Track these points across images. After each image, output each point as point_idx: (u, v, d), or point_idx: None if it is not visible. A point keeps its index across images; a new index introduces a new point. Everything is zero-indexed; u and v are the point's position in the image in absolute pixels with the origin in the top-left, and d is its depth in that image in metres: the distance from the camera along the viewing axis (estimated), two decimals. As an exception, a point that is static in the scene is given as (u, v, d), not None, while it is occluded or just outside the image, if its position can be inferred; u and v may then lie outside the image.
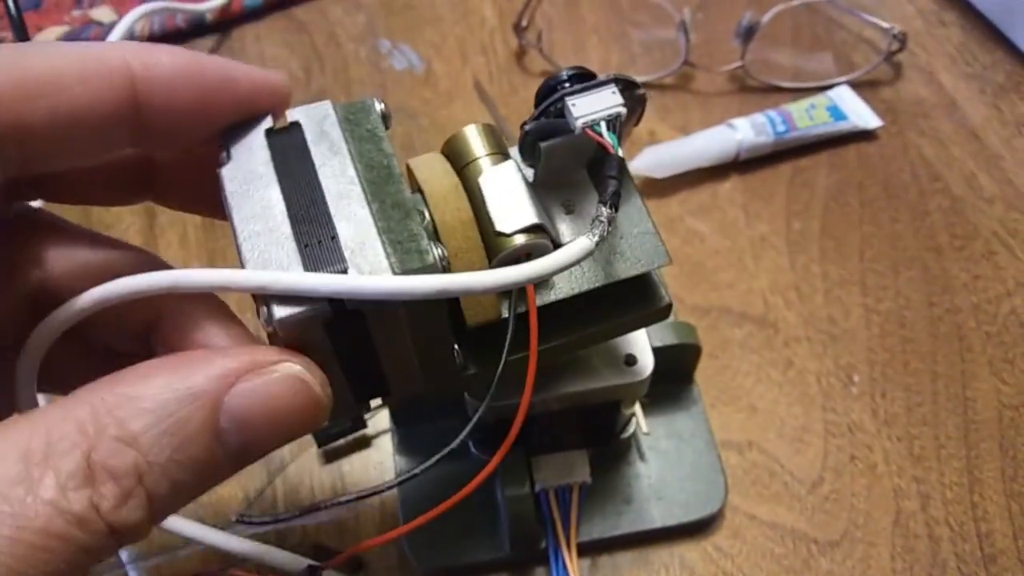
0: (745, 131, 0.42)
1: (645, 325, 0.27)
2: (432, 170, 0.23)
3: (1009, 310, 0.38)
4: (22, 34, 0.40)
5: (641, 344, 0.28)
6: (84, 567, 0.16)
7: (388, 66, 0.47)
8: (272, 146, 0.21)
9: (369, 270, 0.19)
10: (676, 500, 0.33)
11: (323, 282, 0.18)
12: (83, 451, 0.16)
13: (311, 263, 0.19)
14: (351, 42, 0.48)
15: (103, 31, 0.47)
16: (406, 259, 0.19)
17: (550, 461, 0.31)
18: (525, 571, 0.32)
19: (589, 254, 0.20)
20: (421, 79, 0.47)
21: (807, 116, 0.43)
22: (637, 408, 0.33)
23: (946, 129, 0.44)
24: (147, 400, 0.17)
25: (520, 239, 0.22)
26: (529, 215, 0.22)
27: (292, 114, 0.22)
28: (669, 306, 0.26)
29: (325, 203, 0.20)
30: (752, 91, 0.46)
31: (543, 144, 0.23)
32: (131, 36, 0.47)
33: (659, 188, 0.42)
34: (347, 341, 0.20)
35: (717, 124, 0.43)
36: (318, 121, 0.21)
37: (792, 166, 0.43)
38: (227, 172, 0.21)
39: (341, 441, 0.35)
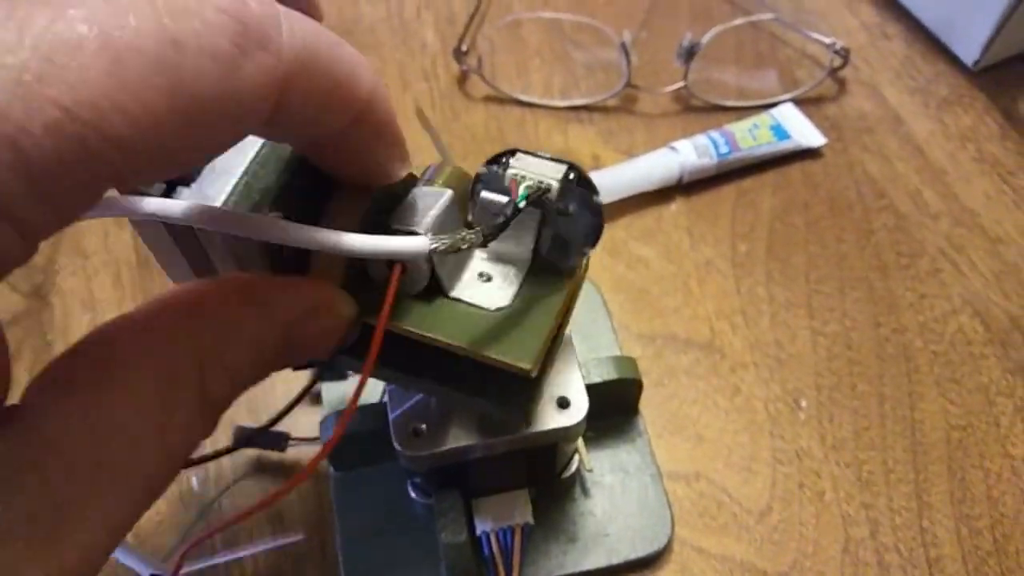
0: (688, 154, 0.41)
1: (499, 417, 0.27)
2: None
3: (956, 328, 0.38)
4: None
5: (575, 385, 0.28)
6: None
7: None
8: None
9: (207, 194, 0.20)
10: (622, 537, 0.32)
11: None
12: (198, 384, 0.17)
13: None
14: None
15: None
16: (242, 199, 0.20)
17: (491, 503, 0.31)
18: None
19: (419, 253, 0.20)
20: (362, 107, 0.46)
21: (750, 136, 0.42)
22: (580, 444, 0.32)
23: (891, 144, 0.44)
24: (242, 332, 0.18)
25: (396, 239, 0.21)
26: (424, 223, 0.21)
27: None
28: (526, 413, 0.25)
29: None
30: (696, 111, 0.46)
31: (483, 194, 0.22)
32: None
33: (604, 213, 0.41)
34: (185, 245, 0.22)
35: (662, 146, 0.43)
36: None
37: (736, 187, 0.43)
38: None
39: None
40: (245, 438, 0.33)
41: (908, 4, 0.49)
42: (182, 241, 0.22)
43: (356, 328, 0.21)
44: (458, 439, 0.27)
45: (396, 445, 0.27)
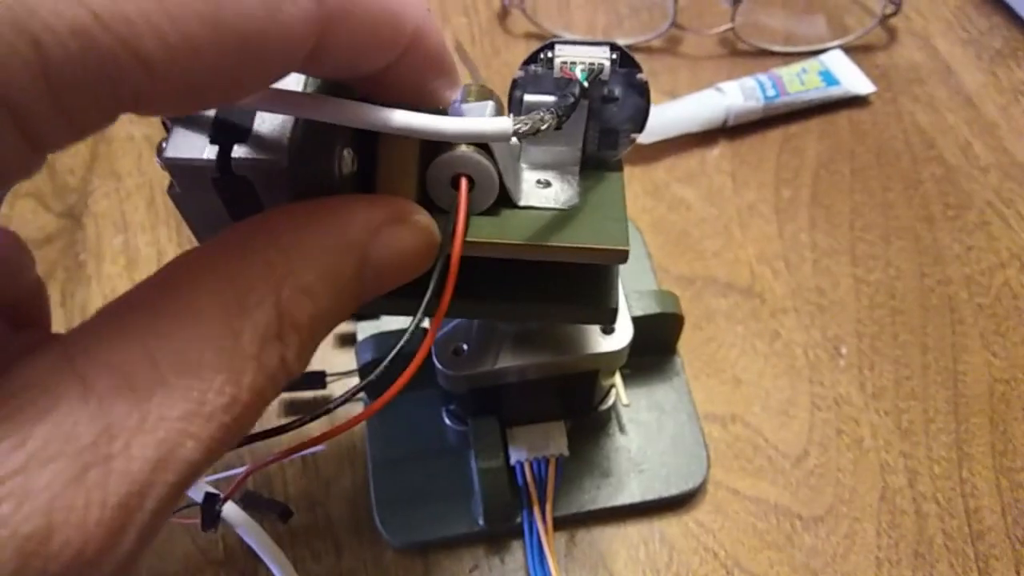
0: (734, 96, 0.40)
1: (586, 323, 0.26)
2: None
3: (1002, 281, 0.37)
4: None
5: (620, 312, 0.27)
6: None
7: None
8: None
9: (268, 145, 0.19)
10: (657, 474, 0.32)
11: None
12: (273, 303, 0.15)
13: (220, 119, 0.19)
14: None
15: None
16: (307, 147, 0.19)
17: (526, 432, 0.30)
18: (501, 545, 0.31)
19: (504, 135, 0.19)
20: (400, 40, 0.45)
21: (798, 81, 0.41)
22: (617, 379, 0.32)
23: (941, 96, 0.43)
24: (314, 250, 0.17)
25: (463, 149, 0.21)
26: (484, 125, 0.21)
27: None
28: (614, 311, 0.24)
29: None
30: (742, 55, 0.44)
31: (527, 97, 0.22)
32: None
33: (645, 154, 0.41)
34: (237, 208, 0.20)
35: (706, 88, 0.42)
36: None
37: (782, 132, 0.42)
38: None
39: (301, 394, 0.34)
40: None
41: (964, -46, 0.47)
42: (239, 211, 0.21)
43: (437, 250, 0.20)
44: (500, 360, 0.27)
45: (437, 364, 0.26)
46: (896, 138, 0.42)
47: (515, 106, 0.23)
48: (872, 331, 0.36)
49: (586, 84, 0.21)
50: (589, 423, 0.32)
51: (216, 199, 0.20)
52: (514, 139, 0.19)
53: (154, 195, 0.40)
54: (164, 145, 0.19)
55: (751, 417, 0.34)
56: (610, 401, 0.32)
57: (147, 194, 0.40)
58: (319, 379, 0.34)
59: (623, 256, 0.22)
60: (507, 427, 0.30)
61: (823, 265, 0.38)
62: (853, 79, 0.42)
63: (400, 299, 0.21)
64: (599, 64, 0.21)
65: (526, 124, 0.19)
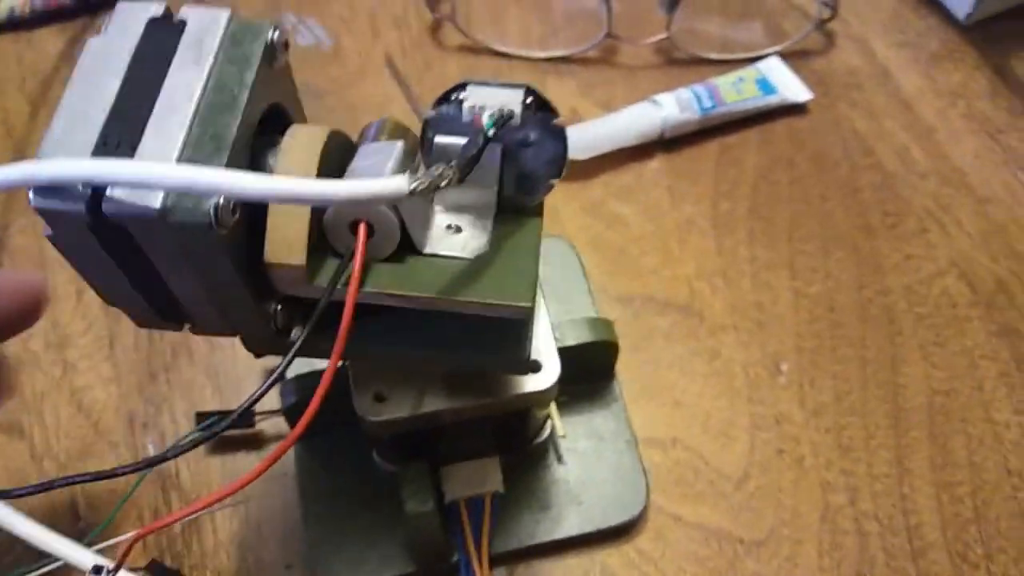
0: (670, 107, 0.40)
1: (503, 371, 0.26)
2: (305, 132, 0.21)
3: (940, 290, 0.37)
4: None
5: (546, 348, 0.26)
6: None
7: (293, 43, 0.44)
8: (145, 35, 0.20)
9: (139, 193, 0.18)
10: (596, 504, 0.31)
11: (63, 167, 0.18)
12: None
13: (97, 157, 0.18)
14: (253, 17, 0.45)
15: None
16: (183, 195, 0.18)
17: (460, 471, 0.29)
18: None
19: (400, 196, 0.18)
20: (329, 56, 0.44)
21: (735, 90, 0.41)
22: (553, 409, 0.31)
23: (879, 101, 0.43)
24: None
25: None
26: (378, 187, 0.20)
27: (188, 12, 0.21)
28: (528, 362, 0.24)
29: (150, 111, 0.19)
30: (679, 64, 0.44)
31: (437, 139, 0.21)
32: (9, 15, 0.44)
33: (582, 170, 0.40)
34: (118, 253, 0.20)
35: (643, 99, 0.41)
36: (202, 28, 0.20)
37: (719, 143, 0.41)
38: (94, 43, 0.20)
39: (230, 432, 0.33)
40: (208, 426, 0.32)
41: (900, -46, 0.47)
42: (122, 257, 0.20)
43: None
44: (423, 404, 0.26)
45: (358, 411, 0.26)
46: (834, 145, 0.41)
47: (427, 147, 0.22)
48: (812, 345, 0.36)
49: (491, 134, 0.20)
50: (525, 456, 0.32)
51: (94, 244, 0.19)
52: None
53: (74, 228, 0.38)
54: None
55: (691, 440, 0.34)
56: (546, 433, 0.31)
57: (67, 227, 0.38)
58: (248, 417, 0.33)
59: (525, 312, 0.21)
60: (439, 465, 0.29)
61: (762, 279, 0.37)
62: (790, 87, 0.42)
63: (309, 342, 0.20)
64: (508, 110, 0.20)
65: (424, 183, 0.18)
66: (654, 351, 0.36)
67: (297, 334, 0.23)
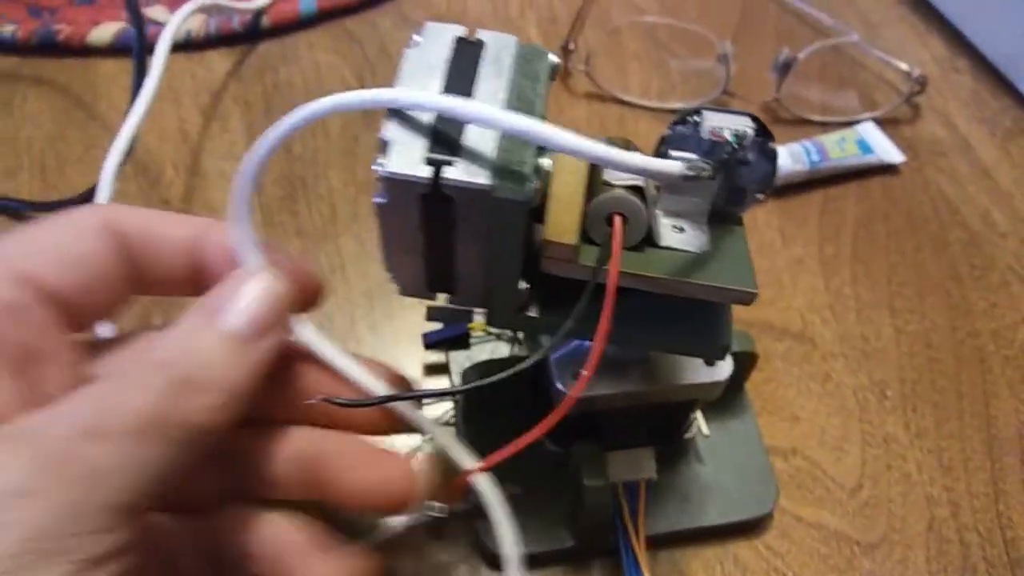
0: (783, 159, 0.44)
1: (702, 356, 0.29)
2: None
3: (1024, 336, 0.41)
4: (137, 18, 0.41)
5: (721, 347, 0.30)
6: None
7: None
8: (455, 51, 0.24)
9: (473, 170, 0.22)
10: (731, 500, 0.35)
11: (437, 100, 0.22)
12: None
13: (434, 143, 0.22)
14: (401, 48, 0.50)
15: (158, 30, 0.48)
16: (507, 176, 0.22)
17: (619, 457, 0.33)
18: (584, 564, 0.34)
19: (677, 177, 0.22)
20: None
21: (839, 148, 0.46)
22: (698, 412, 0.35)
23: (962, 167, 0.48)
24: None
25: (620, 190, 0.24)
26: (637, 179, 0.24)
27: (483, 34, 0.25)
28: (725, 348, 0.27)
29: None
30: (784, 122, 0.49)
31: (672, 153, 0.25)
32: (187, 37, 0.48)
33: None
34: (435, 222, 0.23)
35: (753, 151, 0.46)
36: (499, 47, 0.25)
37: (823, 194, 0.46)
38: (410, 54, 0.24)
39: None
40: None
41: (976, 41, 0.53)
42: (432, 225, 0.24)
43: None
44: (613, 386, 0.29)
45: (558, 385, 0.29)
46: (924, 204, 0.46)
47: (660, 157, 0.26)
48: (912, 377, 0.40)
49: (736, 147, 0.24)
50: (671, 451, 0.35)
51: (415, 214, 0.23)
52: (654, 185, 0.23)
53: (246, 227, 0.42)
54: (382, 161, 0.22)
55: (809, 451, 0.37)
56: (692, 431, 0.35)
57: (240, 226, 0.42)
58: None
59: (751, 297, 0.25)
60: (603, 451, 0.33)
61: (866, 315, 0.42)
62: (885, 149, 0.47)
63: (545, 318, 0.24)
64: (743, 131, 0.25)
65: (692, 171, 0.23)
66: (773, 371, 0.39)
67: (532, 314, 0.27)
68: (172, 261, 0.25)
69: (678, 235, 0.26)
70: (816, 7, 0.54)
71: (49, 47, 0.48)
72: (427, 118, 0.23)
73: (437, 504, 0.27)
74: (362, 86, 0.48)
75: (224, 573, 0.24)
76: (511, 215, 0.23)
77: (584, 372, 0.29)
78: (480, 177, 0.22)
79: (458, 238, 0.24)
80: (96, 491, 0.18)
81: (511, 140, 0.23)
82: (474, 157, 0.22)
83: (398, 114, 0.23)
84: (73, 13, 0.49)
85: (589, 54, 0.49)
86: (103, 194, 0.38)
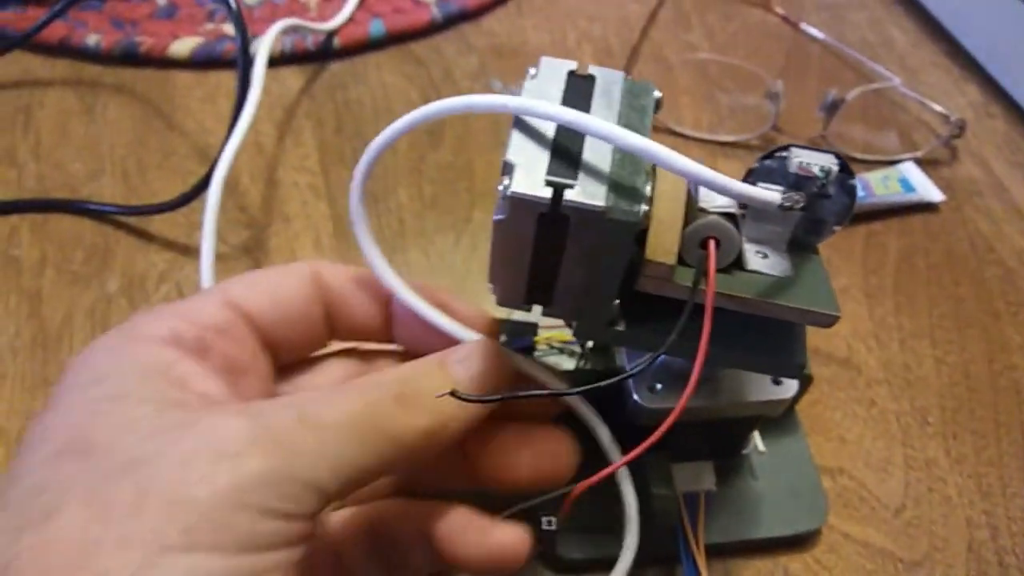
0: (830, 193, 0.47)
1: (777, 373, 0.31)
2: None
3: (1059, 371, 0.43)
4: (243, 31, 0.43)
5: (787, 367, 0.32)
6: None
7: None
8: (568, 83, 0.26)
9: (589, 192, 0.24)
10: (782, 514, 0.36)
11: (576, 117, 0.24)
12: None
13: (553, 163, 0.24)
14: (466, 79, 0.52)
15: (235, 46, 0.50)
16: (620, 200, 0.24)
17: (683, 468, 0.35)
18: (641, 571, 0.36)
19: (774, 205, 0.24)
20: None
21: (883, 185, 0.48)
22: (755, 430, 0.37)
23: (997, 208, 0.50)
24: None
25: (714, 216, 0.26)
26: (729, 204, 0.26)
27: (594, 69, 0.27)
28: (801, 367, 0.29)
29: (583, 140, 0.25)
30: (829, 159, 0.51)
31: (759, 185, 0.27)
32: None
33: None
34: (545, 238, 0.25)
35: (799, 185, 0.48)
36: (608, 82, 0.27)
37: (867, 228, 0.48)
38: (529, 86, 0.26)
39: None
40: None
41: (1009, 88, 0.55)
42: (544, 242, 0.25)
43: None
44: (689, 400, 0.31)
45: (636, 397, 0.31)
46: (962, 241, 0.48)
47: None
48: (952, 405, 0.42)
49: (825, 182, 0.26)
50: (727, 465, 0.37)
51: (530, 231, 0.25)
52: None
53: (319, 236, 0.44)
54: (508, 182, 0.24)
55: (855, 471, 0.39)
56: (750, 447, 0.37)
57: (313, 235, 0.44)
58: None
59: (834, 320, 0.27)
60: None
61: (908, 345, 0.44)
62: (926, 188, 0.49)
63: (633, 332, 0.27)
64: (829, 167, 0.27)
65: (787, 201, 0.25)
66: (820, 395, 0.41)
67: (619, 328, 0.29)
68: (366, 313, 0.29)
69: (763, 260, 0.28)
70: (858, 50, 0.57)
71: (131, 57, 0.50)
72: (545, 143, 0.25)
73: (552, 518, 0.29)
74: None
75: (391, 559, 0.27)
76: (621, 235, 0.25)
77: (659, 385, 0.32)
78: (597, 199, 0.24)
79: (566, 254, 0.26)
80: (293, 465, 0.20)
81: (622, 166, 0.25)
82: (590, 181, 0.24)
83: (519, 138, 0.25)
84: (154, 26, 0.51)
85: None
86: (212, 203, 0.39)
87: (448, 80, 0.52)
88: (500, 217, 0.25)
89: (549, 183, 0.24)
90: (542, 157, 0.25)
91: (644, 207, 0.24)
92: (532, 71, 0.27)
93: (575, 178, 0.24)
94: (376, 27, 0.53)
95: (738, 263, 0.28)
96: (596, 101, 0.26)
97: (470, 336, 0.28)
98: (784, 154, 0.28)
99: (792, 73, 0.55)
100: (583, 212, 0.24)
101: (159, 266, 0.42)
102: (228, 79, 0.50)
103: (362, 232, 0.28)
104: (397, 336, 0.30)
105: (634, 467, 0.35)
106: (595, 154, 0.25)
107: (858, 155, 0.51)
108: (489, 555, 0.26)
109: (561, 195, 0.24)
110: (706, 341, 0.25)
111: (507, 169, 0.25)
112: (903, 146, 0.52)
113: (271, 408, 0.22)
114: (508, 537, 0.27)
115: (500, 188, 0.24)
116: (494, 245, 0.27)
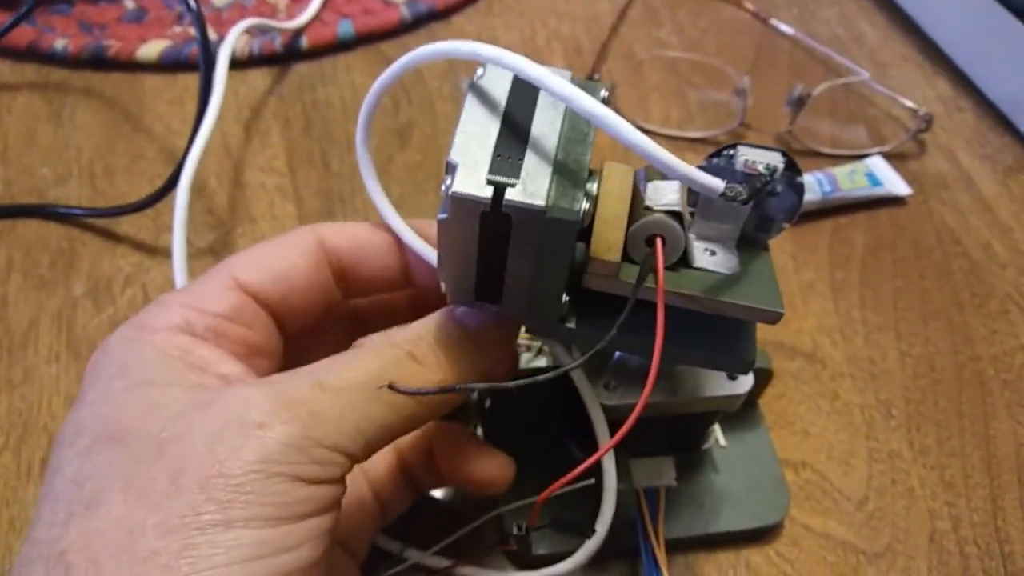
0: (796, 188, 0.47)
1: (727, 370, 0.32)
2: (619, 168, 0.27)
3: (1022, 362, 0.44)
4: (203, 31, 0.43)
5: (742, 362, 0.33)
6: None
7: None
8: (514, 83, 0.26)
9: (530, 192, 0.24)
10: (744, 508, 0.37)
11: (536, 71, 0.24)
12: None
13: (495, 166, 0.24)
14: (435, 79, 0.52)
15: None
16: (560, 199, 0.24)
17: (643, 464, 0.35)
18: (603, 564, 0.36)
19: (717, 192, 0.25)
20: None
21: (849, 180, 0.48)
22: (716, 424, 0.37)
23: (964, 201, 0.50)
24: None
25: (660, 214, 0.26)
26: (675, 203, 0.26)
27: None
28: (750, 363, 0.30)
29: (527, 137, 0.25)
30: (796, 153, 0.51)
31: None
32: (232, 56, 0.51)
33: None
34: (489, 237, 0.25)
35: (767, 180, 0.48)
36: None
37: (833, 223, 0.48)
38: (475, 84, 0.26)
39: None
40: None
41: (978, 82, 0.55)
42: (488, 240, 0.25)
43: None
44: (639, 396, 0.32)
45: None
46: (928, 234, 0.48)
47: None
48: (916, 397, 0.42)
49: (769, 179, 0.26)
50: (689, 460, 0.37)
51: (474, 229, 0.25)
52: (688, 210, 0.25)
53: (286, 238, 0.44)
54: (450, 182, 0.24)
55: (818, 464, 0.39)
56: (710, 442, 0.37)
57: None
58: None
59: (778, 316, 0.27)
60: (625, 459, 0.35)
61: (873, 339, 0.44)
62: (893, 181, 0.49)
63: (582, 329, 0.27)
64: (774, 165, 0.27)
65: (730, 191, 0.25)
66: (784, 388, 0.42)
67: (570, 325, 0.29)
68: (383, 264, 0.29)
69: (710, 257, 0.28)
70: (828, 45, 0.57)
71: (98, 62, 0.50)
72: (489, 143, 0.25)
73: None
74: (397, 107, 0.51)
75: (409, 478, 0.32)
76: (562, 234, 0.25)
77: (613, 382, 0.32)
78: (537, 199, 0.24)
79: (510, 252, 0.26)
80: (316, 430, 0.21)
81: (566, 165, 0.25)
82: (531, 182, 0.25)
83: (462, 140, 0.25)
84: (122, 30, 0.51)
85: (612, 84, 0.52)
86: (180, 203, 0.39)
87: (418, 80, 0.52)
88: (443, 216, 0.25)
89: (490, 182, 0.24)
90: (485, 159, 0.25)
91: (585, 205, 0.24)
92: (480, 71, 0.27)
93: (517, 176, 0.24)
94: (344, 27, 0.53)
95: (685, 260, 0.28)
96: (542, 102, 0.26)
97: None
98: (731, 152, 0.28)
99: (762, 69, 0.56)
100: (524, 211, 0.24)
101: (125, 269, 0.42)
102: (196, 82, 0.50)
103: (368, 175, 0.29)
104: (416, 280, 0.31)
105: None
106: (539, 158, 0.25)
107: (826, 150, 0.51)
108: (476, 479, 0.31)
109: (502, 195, 0.24)
110: (661, 336, 0.26)
111: (449, 168, 0.25)
112: (871, 140, 0.52)
113: (288, 378, 0.22)
114: (494, 463, 0.31)
115: (443, 188, 0.25)
116: (440, 244, 0.27)
